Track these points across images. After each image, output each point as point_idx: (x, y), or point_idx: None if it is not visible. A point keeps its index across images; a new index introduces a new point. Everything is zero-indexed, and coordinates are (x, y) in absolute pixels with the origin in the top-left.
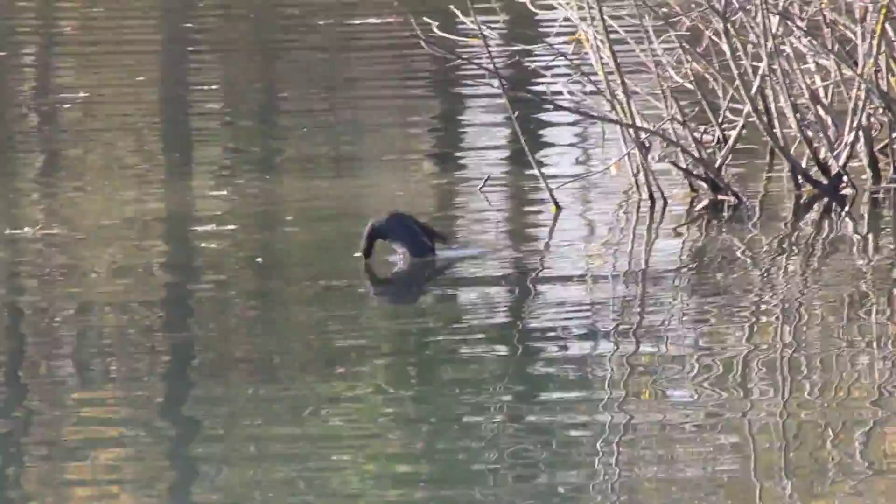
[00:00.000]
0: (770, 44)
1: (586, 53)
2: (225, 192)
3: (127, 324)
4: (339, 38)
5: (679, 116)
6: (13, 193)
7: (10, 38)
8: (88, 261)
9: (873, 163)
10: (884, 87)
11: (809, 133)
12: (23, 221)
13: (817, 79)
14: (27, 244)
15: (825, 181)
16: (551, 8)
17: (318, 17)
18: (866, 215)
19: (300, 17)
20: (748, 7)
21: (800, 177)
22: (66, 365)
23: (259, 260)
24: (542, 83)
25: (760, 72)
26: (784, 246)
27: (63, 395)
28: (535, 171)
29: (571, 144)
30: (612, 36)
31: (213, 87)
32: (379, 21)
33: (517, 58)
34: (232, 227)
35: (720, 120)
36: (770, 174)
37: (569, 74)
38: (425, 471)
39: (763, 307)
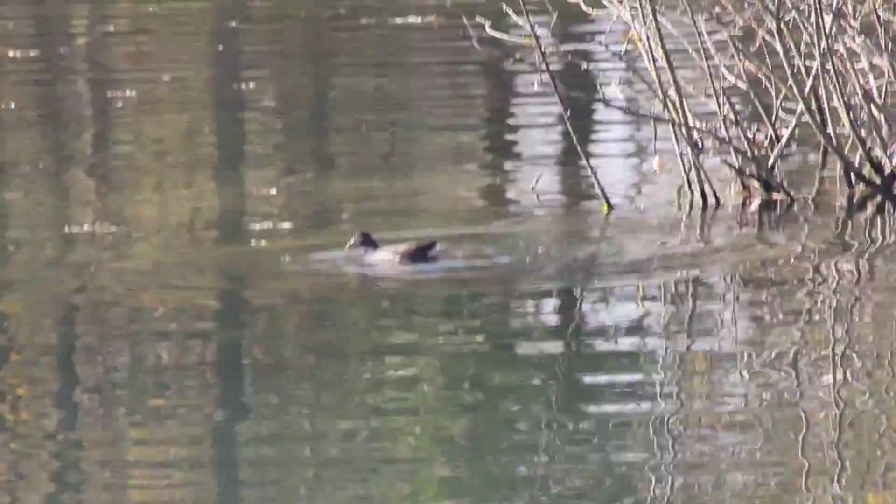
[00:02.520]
0: (823, 43)
1: (639, 53)
2: (278, 191)
3: (180, 324)
4: (386, 37)
5: (732, 116)
6: (69, 191)
7: (63, 35)
8: (144, 260)
9: None
10: None
11: (863, 132)
12: (79, 219)
13: (871, 78)
14: (85, 243)
15: (878, 180)
16: (603, 7)
17: (363, 16)
18: None
19: (346, 17)
20: (801, 6)
21: (853, 176)
22: (121, 359)
23: (286, 259)
24: (595, 82)
25: (814, 71)
26: (837, 245)
27: (119, 394)
28: (588, 170)
29: (623, 143)
30: (665, 35)
31: (266, 85)
32: (420, 21)
33: (569, 57)
34: (287, 225)
35: (773, 119)
36: (823, 173)
37: (621, 74)
38: (473, 476)
39: (816, 306)
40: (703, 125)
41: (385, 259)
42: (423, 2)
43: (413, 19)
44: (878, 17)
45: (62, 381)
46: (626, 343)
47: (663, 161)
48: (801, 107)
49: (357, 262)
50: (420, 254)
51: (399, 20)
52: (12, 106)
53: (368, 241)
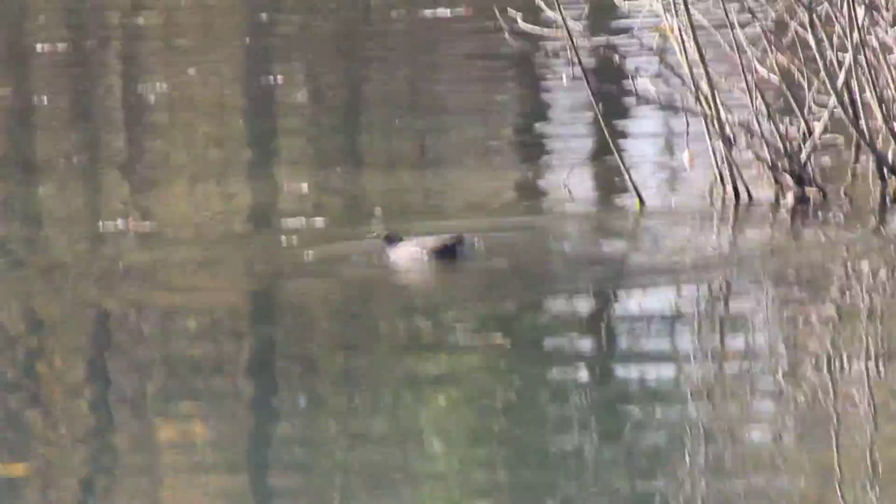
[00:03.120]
0: (856, 35)
1: (671, 46)
2: (311, 186)
3: (212, 322)
4: (417, 30)
5: (764, 109)
6: (102, 187)
7: (95, 29)
8: (178, 258)
9: None
10: None
11: (895, 126)
12: (114, 216)
13: None
14: (117, 239)
15: None
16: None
17: (393, 8)
18: None
19: (376, 9)
20: None
21: (885, 170)
22: (152, 358)
23: (310, 254)
24: (627, 75)
25: (846, 64)
26: (870, 240)
27: (150, 394)
28: (620, 166)
29: (655, 138)
30: (697, 27)
31: (297, 79)
32: (450, 14)
33: (601, 51)
34: (320, 220)
35: (805, 112)
36: (855, 167)
37: (653, 67)
38: (507, 482)
39: (849, 302)
40: (736, 119)
41: (411, 253)
42: None
43: (442, 11)
44: None
45: (94, 381)
46: (659, 343)
47: (693, 155)
48: (833, 100)
49: (385, 257)
50: (449, 250)
51: (428, 12)
52: (45, 101)
53: (392, 238)
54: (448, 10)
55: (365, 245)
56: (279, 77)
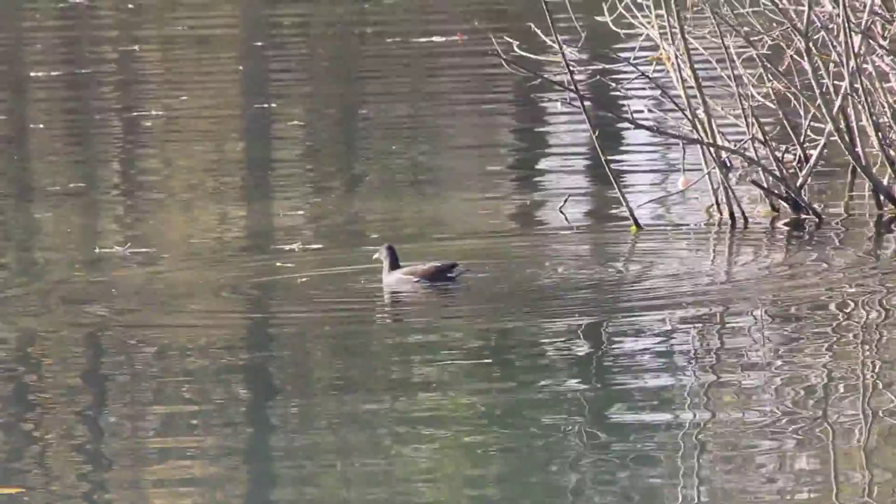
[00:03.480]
0: (852, 62)
1: (667, 72)
2: (308, 211)
3: (206, 347)
4: (412, 57)
5: (760, 135)
6: (99, 211)
7: (91, 56)
8: (174, 281)
9: None
10: None
11: (891, 152)
12: (111, 240)
13: None
14: (113, 263)
15: None
16: (632, 26)
17: (388, 37)
18: None
19: (372, 37)
20: (830, 26)
21: (882, 196)
22: (147, 384)
23: (304, 279)
24: (623, 102)
25: (842, 91)
26: (865, 265)
27: (145, 412)
28: (616, 191)
29: (652, 163)
30: (694, 55)
31: (292, 105)
32: (444, 39)
33: (598, 76)
34: (315, 244)
35: (801, 139)
36: (851, 193)
37: (650, 93)
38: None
39: (844, 327)
40: (732, 145)
41: (402, 280)
42: (449, 20)
43: (437, 39)
44: None
45: (90, 400)
46: (654, 371)
47: (688, 180)
48: (829, 126)
49: (378, 282)
50: (441, 275)
51: (423, 40)
52: (41, 127)
53: (392, 257)
54: (442, 38)
55: (375, 262)
56: (274, 103)
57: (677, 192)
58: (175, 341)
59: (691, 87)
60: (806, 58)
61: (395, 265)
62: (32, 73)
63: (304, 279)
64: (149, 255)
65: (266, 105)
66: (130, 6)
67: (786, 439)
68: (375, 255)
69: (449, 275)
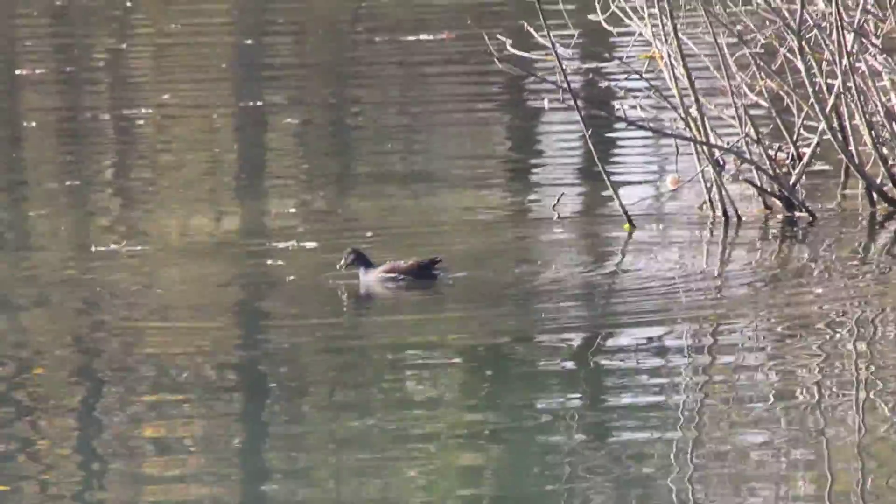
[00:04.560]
0: (845, 61)
1: (660, 71)
2: (301, 209)
3: (204, 343)
4: (400, 54)
5: (753, 134)
6: (93, 210)
7: (85, 56)
8: (169, 279)
9: None
10: None
11: (884, 150)
12: (106, 238)
13: (892, 96)
14: (112, 262)
15: None
16: (625, 25)
17: (378, 34)
18: None
19: (363, 34)
20: (823, 24)
21: (875, 194)
22: (144, 381)
23: (291, 278)
24: (616, 100)
25: (835, 89)
26: (858, 263)
27: (138, 410)
28: (609, 188)
29: (645, 162)
30: (687, 53)
31: (284, 103)
32: (432, 38)
33: (591, 75)
34: (306, 244)
35: (794, 137)
36: (844, 191)
37: (643, 92)
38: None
39: (837, 325)
40: (725, 143)
41: (383, 279)
42: (440, 18)
43: (425, 36)
44: None
45: (83, 400)
46: (648, 370)
47: (678, 179)
48: (822, 125)
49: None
50: (423, 270)
51: (411, 38)
52: (34, 124)
53: (361, 259)
54: (430, 35)
55: (343, 271)
56: (266, 100)
57: (667, 192)
58: (169, 339)
59: (684, 87)
60: (799, 56)
61: (368, 265)
62: (24, 72)
63: (291, 278)
64: (143, 252)
65: (259, 103)
66: (129, 4)
67: (780, 437)
68: (339, 265)
69: (433, 271)
